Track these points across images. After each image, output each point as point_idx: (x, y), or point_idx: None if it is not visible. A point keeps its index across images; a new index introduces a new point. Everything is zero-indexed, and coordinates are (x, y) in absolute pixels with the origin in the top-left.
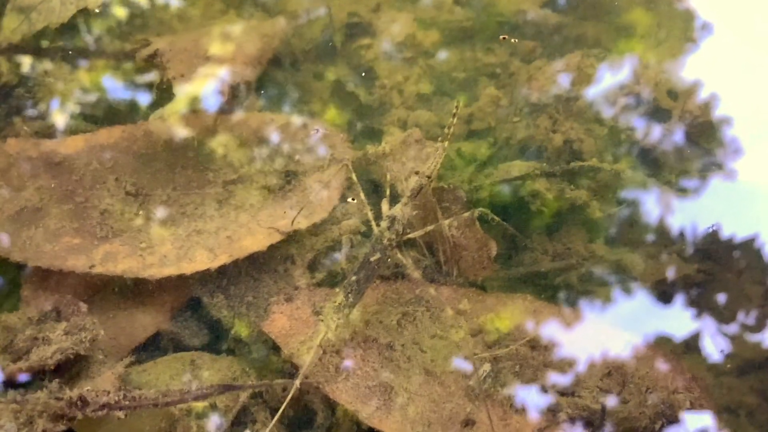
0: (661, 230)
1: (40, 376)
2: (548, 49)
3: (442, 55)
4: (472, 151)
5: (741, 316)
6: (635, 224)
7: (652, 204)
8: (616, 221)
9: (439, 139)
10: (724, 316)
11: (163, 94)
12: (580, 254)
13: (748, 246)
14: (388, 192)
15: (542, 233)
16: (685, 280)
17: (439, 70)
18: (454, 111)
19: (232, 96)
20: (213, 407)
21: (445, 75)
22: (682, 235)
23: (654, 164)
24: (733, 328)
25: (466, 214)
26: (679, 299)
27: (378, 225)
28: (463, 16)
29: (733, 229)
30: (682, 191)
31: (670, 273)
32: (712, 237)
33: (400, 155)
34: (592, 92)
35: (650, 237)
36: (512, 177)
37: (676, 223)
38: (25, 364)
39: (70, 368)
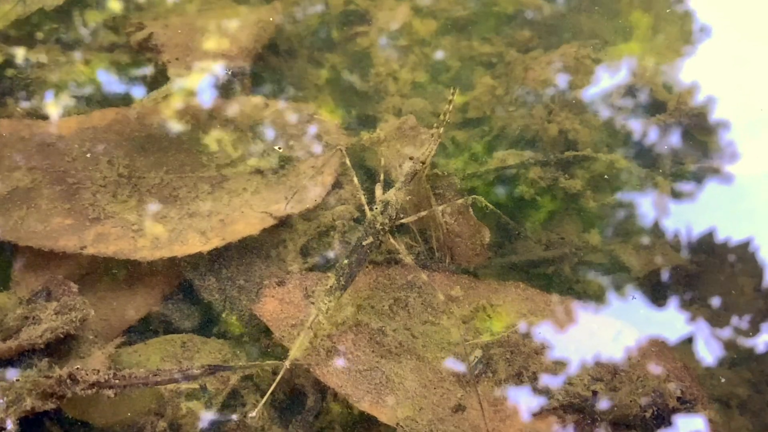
0: (655, 221)
1: (30, 355)
2: (545, 39)
3: (439, 43)
4: (467, 140)
5: (734, 308)
6: (629, 215)
7: (646, 195)
8: (610, 211)
9: (435, 125)
10: (717, 307)
11: (158, 77)
12: (573, 244)
13: (741, 241)
14: (381, 177)
15: (536, 222)
16: (679, 271)
17: (435, 59)
18: (450, 98)
19: (227, 80)
20: (203, 389)
21: (440, 64)
22: (676, 227)
23: (648, 155)
24: (726, 320)
25: (460, 201)
26: (672, 290)
27: (371, 209)
28: (460, 6)
29: (727, 223)
30: (677, 178)
31: (663, 264)
32: (708, 233)
33: (394, 142)
34: (587, 83)
35: (643, 227)
36: (507, 166)
37: (670, 214)
38: (15, 343)
39: (60, 348)
